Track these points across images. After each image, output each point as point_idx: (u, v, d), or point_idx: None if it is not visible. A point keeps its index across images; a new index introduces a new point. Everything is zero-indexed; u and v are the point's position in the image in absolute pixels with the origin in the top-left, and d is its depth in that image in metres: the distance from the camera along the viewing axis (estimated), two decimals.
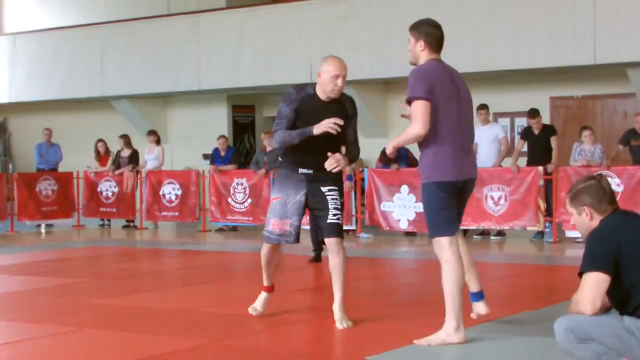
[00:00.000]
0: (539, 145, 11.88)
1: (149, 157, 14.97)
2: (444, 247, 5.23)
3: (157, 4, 18.88)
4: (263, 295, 6.27)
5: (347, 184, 9.77)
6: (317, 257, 9.48)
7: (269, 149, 12.99)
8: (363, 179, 12.92)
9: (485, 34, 13.37)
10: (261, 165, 13.25)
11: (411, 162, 12.75)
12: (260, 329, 5.93)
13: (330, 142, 5.79)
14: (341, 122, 5.74)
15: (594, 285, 3.91)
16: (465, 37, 13.14)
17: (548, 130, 12.01)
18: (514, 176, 11.72)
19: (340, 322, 5.81)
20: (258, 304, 6.24)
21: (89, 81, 18.19)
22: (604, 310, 4.03)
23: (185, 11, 17.61)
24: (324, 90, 5.87)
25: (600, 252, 3.94)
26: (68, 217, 15.36)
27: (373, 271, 9.41)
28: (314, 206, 5.94)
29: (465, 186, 5.37)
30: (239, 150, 17.43)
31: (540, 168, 11.64)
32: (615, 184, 11.05)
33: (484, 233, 12.19)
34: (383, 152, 13.05)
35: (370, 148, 15.15)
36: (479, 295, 5.69)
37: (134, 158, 15.00)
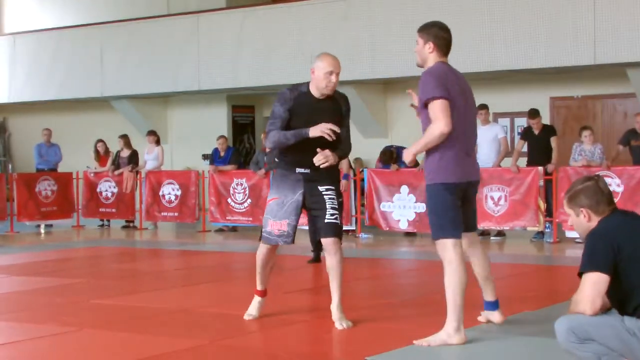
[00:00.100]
0: (539, 145, 11.88)
1: (149, 158, 14.96)
2: (448, 248, 5.22)
3: (156, 4, 18.89)
4: (257, 299, 6.21)
5: (343, 183, 9.77)
6: (317, 258, 9.47)
7: (268, 149, 12.99)
8: (363, 179, 12.92)
9: (485, 34, 13.37)
10: (261, 166, 13.24)
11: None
12: (259, 329, 5.93)
13: (326, 141, 5.79)
14: (337, 129, 5.74)
15: (593, 286, 3.91)
16: (465, 37, 13.13)
17: (548, 130, 12.00)
18: (514, 176, 11.71)
19: (339, 323, 5.80)
20: (253, 309, 6.20)
21: (88, 81, 18.19)
22: (605, 310, 4.02)
23: (185, 11, 17.62)
24: (318, 87, 5.86)
25: (599, 252, 3.93)
26: (68, 217, 15.36)
27: (373, 271, 9.40)
28: (311, 206, 5.93)
29: (469, 189, 5.38)
30: (239, 150, 17.44)
31: (540, 168, 11.63)
32: (616, 184, 11.05)
33: (484, 233, 12.19)
34: (383, 152, 13.06)
35: (370, 148, 15.17)
36: (495, 305, 5.71)
37: (133, 158, 15.00)
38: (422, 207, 12.09)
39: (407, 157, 5.34)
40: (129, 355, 5.17)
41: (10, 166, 21.01)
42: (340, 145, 5.93)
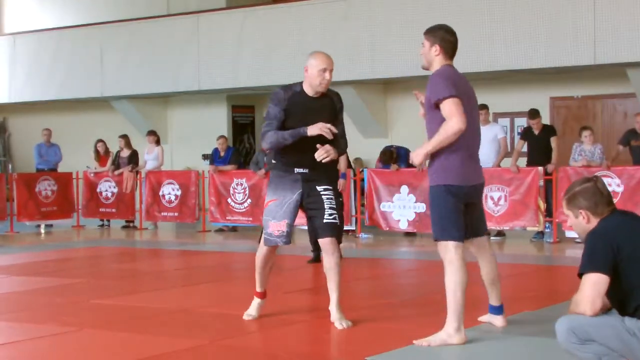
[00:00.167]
0: (539, 145, 11.88)
1: (149, 158, 14.96)
2: (449, 250, 5.23)
3: (157, 4, 18.89)
4: (256, 301, 6.21)
5: (341, 182, 9.77)
6: (317, 258, 9.46)
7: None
8: (363, 179, 12.92)
9: (485, 34, 13.38)
10: (261, 166, 13.24)
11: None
12: (259, 329, 5.93)
13: (323, 140, 5.81)
14: (335, 130, 5.74)
15: (593, 286, 3.91)
16: (465, 37, 13.02)
17: (548, 130, 12.00)
18: (513, 176, 11.71)
19: (339, 322, 5.81)
20: (252, 310, 6.19)
21: (88, 81, 18.19)
22: (605, 310, 4.02)
23: (185, 11, 17.62)
24: (312, 85, 5.86)
25: (599, 252, 3.93)
26: (68, 217, 15.36)
27: (373, 271, 9.40)
28: (309, 206, 5.92)
29: (474, 192, 5.40)
30: (239, 150, 17.44)
31: (540, 168, 11.63)
32: (615, 184, 11.05)
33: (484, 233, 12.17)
34: (383, 152, 13.06)
35: (370, 148, 15.18)
36: (499, 309, 5.72)
37: (133, 158, 15.00)
38: (422, 207, 12.10)
39: (417, 158, 5.29)
40: (129, 355, 5.17)
41: (10, 166, 21.01)
42: (337, 142, 5.93)
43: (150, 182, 14.60)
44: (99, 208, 15.26)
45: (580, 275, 3.97)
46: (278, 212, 5.91)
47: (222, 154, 14.15)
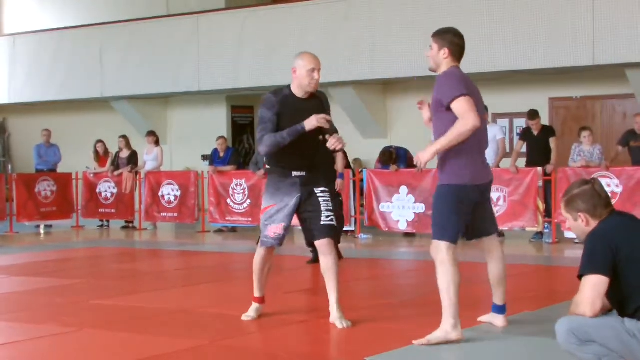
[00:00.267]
0: (538, 146, 11.88)
1: (148, 158, 14.96)
2: (441, 250, 5.27)
3: (157, 5, 18.89)
4: (255, 306, 6.22)
5: (339, 182, 9.78)
6: (316, 258, 9.45)
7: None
8: (362, 180, 12.93)
9: (484, 35, 13.39)
10: (260, 166, 13.21)
11: (410, 162, 12.75)
12: (259, 329, 5.94)
13: (317, 141, 5.87)
14: (329, 118, 5.80)
15: (593, 288, 3.92)
16: (464, 38, 13.14)
17: (547, 131, 12.01)
18: (513, 177, 11.72)
19: (340, 322, 5.81)
20: (252, 312, 6.20)
21: (88, 82, 18.19)
22: (605, 311, 4.03)
23: (185, 12, 17.62)
24: (301, 85, 5.88)
25: (598, 254, 3.94)
26: (67, 217, 15.36)
27: (372, 272, 9.41)
28: (307, 209, 5.93)
29: (484, 191, 5.47)
30: (238, 151, 17.44)
31: (540, 169, 11.64)
32: (615, 184, 11.06)
33: None
34: (382, 153, 13.06)
35: (369, 148, 15.17)
36: (502, 309, 5.73)
37: (133, 159, 15.00)
38: (421, 208, 12.11)
39: (426, 155, 5.29)
40: (129, 356, 5.18)
41: (9, 167, 21.01)
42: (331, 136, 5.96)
43: (150, 182, 14.61)
44: (98, 208, 15.26)
45: (580, 276, 3.98)
46: (277, 216, 5.93)
47: (221, 154, 14.16)
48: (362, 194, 13.02)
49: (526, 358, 5.09)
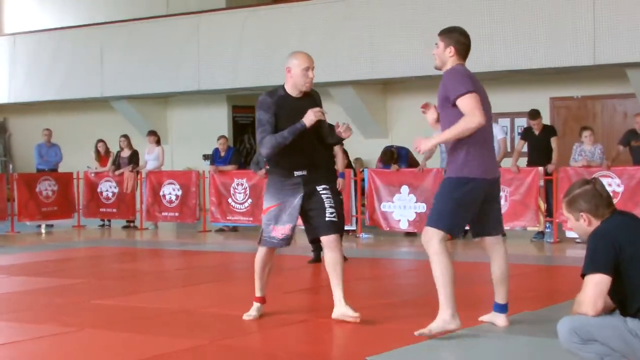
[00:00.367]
0: (539, 145, 11.88)
1: (149, 158, 14.96)
2: (433, 241, 5.35)
3: (156, 4, 18.89)
4: (256, 305, 6.22)
5: (340, 182, 9.79)
6: (317, 258, 9.48)
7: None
8: (363, 180, 12.92)
9: (484, 35, 13.37)
10: (261, 166, 13.22)
11: (411, 162, 12.76)
12: (259, 329, 5.93)
13: (315, 140, 5.93)
14: (325, 111, 5.86)
15: (595, 287, 3.91)
16: None
17: (548, 130, 12.00)
18: (514, 176, 11.72)
19: (347, 316, 5.84)
20: (253, 311, 6.21)
21: (88, 81, 18.19)
22: (608, 311, 4.03)
23: (185, 11, 17.62)
24: (296, 84, 5.92)
25: (601, 253, 3.94)
26: (68, 217, 15.36)
27: (373, 271, 9.41)
28: (310, 206, 5.96)
29: (492, 187, 5.52)
30: (239, 150, 17.44)
31: (541, 168, 11.64)
32: (616, 184, 11.06)
33: None
34: (384, 152, 13.06)
35: (370, 148, 15.18)
36: (503, 308, 5.74)
37: (134, 158, 15.00)
38: (422, 207, 12.10)
39: (426, 144, 5.41)
40: (129, 356, 5.17)
41: (10, 166, 21.02)
42: (330, 137, 6.03)
43: (151, 182, 14.61)
44: (99, 208, 15.26)
45: (583, 276, 3.99)
46: (281, 216, 5.95)
47: (222, 154, 14.15)
48: (363, 193, 13.02)
49: (527, 358, 5.08)
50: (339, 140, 6.09)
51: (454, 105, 5.30)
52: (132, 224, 15.11)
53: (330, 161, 9.02)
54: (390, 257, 10.66)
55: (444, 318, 5.34)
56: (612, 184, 10.98)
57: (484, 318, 5.81)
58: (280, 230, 5.96)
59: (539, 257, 10.39)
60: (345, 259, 6.12)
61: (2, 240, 13.12)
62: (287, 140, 5.78)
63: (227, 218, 13.90)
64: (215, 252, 11.54)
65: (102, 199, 15.18)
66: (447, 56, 5.49)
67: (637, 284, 3.92)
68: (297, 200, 5.94)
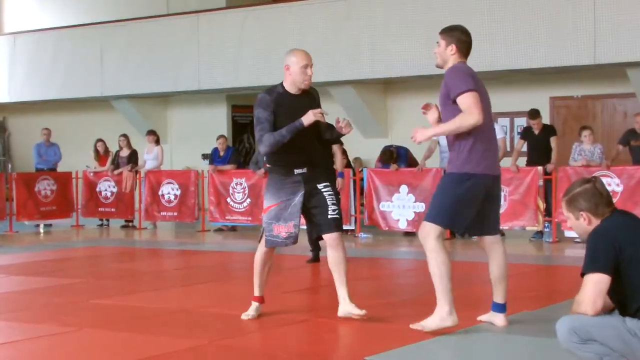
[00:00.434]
0: (539, 145, 11.87)
1: (148, 157, 14.95)
2: (430, 237, 5.37)
3: (156, 4, 18.88)
4: (255, 305, 6.21)
5: (339, 181, 9.79)
6: (316, 258, 9.47)
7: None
8: (362, 179, 12.92)
9: (485, 34, 13.36)
10: (260, 165, 13.21)
11: (410, 162, 12.75)
12: (259, 329, 5.92)
13: (314, 137, 5.94)
14: (325, 111, 5.86)
15: (594, 286, 3.91)
16: None
17: (548, 130, 12.00)
18: (513, 176, 11.71)
19: (357, 309, 5.85)
20: (251, 311, 6.20)
21: (88, 81, 18.18)
22: (607, 310, 4.02)
23: (185, 11, 17.61)
24: (295, 82, 5.92)
25: (600, 252, 3.93)
26: (67, 217, 15.34)
27: (372, 271, 9.39)
28: (312, 204, 5.97)
29: (494, 185, 5.54)
30: (238, 150, 17.43)
31: (540, 168, 11.63)
32: (615, 184, 11.05)
33: None
34: (383, 152, 13.05)
35: (369, 148, 15.17)
36: (502, 307, 5.73)
37: (133, 158, 14.99)
38: (421, 207, 12.09)
39: (422, 135, 5.44)
40: (128, 355, 5.16)
41: (9, 166, 21.01)
42: (328, 133, 6.06)
43: (150, 181, 14.60)
44: (98, 208, 15.25)
45: (582, 275, 3.98)
46: (283, 214, 5.94)
47: (221, 153, 14.15)
48: (362, 193, 13.01)
49: (526, 357, 5.07)
50: (338, 137, 6.10)
51: (455, 102, 5.33)
52: (130, 224, 15.10)
53: (328, 160, 9.02)
54: (389, 256, 10.65)
55: (441, 315, 5.38)
56: (612, 184, 10.98)
57: (483, 318, 5.81)
58: (282, 229, 5.96)
59: (538, 257, 10.38)
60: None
61: (0, 240, 13.11)
62: (285, 138, 5.78)
63: (226, 218, 13.89)
64: (214, 251, 11.53)
65: (100, 199, 15.17)
66: (449, 54, 5.51)
67: (637, 284, 3.92)
68: (298, 199, 5.94)
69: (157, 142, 15.03)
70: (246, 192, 13.65)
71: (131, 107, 18.39)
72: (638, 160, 11.60)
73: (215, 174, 13.94)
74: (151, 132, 15.11)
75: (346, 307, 5.91)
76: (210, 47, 16.61)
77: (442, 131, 5.43)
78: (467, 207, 5.40)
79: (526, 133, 12.13)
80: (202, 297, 7.38)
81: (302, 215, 6.08)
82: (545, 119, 13.37)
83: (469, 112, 5.25)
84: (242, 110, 18.53)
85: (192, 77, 16.84)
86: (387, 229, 12.54)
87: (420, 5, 14.22)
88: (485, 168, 5.41)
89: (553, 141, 11.82)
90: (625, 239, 3.94)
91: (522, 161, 12.13)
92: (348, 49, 14.95)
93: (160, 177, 14.62)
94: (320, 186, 5.97)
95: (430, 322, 5.40)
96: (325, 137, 6.11)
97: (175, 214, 14.41)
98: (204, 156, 17.33)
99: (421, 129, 5.48)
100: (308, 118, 5.76)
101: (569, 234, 11.35)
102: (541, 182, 11.63)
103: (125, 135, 15.20)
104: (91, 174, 15.35)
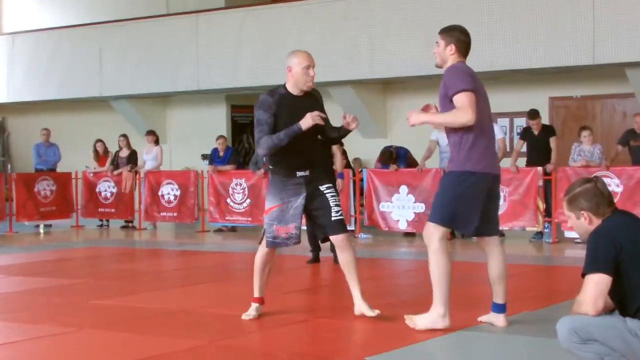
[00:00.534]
0: (538, 145, 11.87)
1: (148, 158, 14.95)
2: (434, 237, 5.40)
3: (156, 4, 18.88)
4: (254, 305, 6.21)
5: (339, 182, 9.79)
6: (316, 258, 9.47)
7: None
8: (362, 180, 12.91)
9: (484, 34, 13.36)
10: (260, 166, 13.23)
11: (410, 162, 12.75)
12: (259, 329, 5.92)
13: (316, 139, 5.93)
14: (323, 115, 5.83)
15: (595, 286, 3.91)
16: None
17: (547, 130, 12.00)
18: (513, 176, 11.71)
19: (370, 311, 5.87)
20: (251, 311, 6.20)
21: (87, 81, 18.18)
22: (608, 310, 4.02)
23: (184, 11, 17.61)
24: (297, 83, 5.92)
25: (601, 252, 3.93)
26: (67, 217, 15.34)
27: (372, 272, 9.38)
28: (314, 206, 5.97)
29: (494, 184, 5.55)
30: (238, 150, 17.43)
31: (540, 168, 11.63)
32: (615, 184, 11.05)
33: None
34: (382, 152, 13.05)
35: (369, 148, 15.17)
36: (501, 308, 5.72)
37: (132, 158, 14.99)
38: (421, 208, 12.09)
39: (416, 119, 5.48)
40: (128, 356, 5.16)
41: (9, 166, 21.00)
42: (334, 132, 6.05)
43: (150, 182, 14.59)
44: (98, 208, 15.25)
45: (583, 275, 3.98)
46: (284, 216, 5.94)
47: (221, 154, 14.14)
48: (362, 193, 13.01)
49: (526, 358, 5.07)
50: (345, 134, 6.08)
51: (452, 101, 5.34)
52: (130, 224, 15.10)
53: (328, 161, 9.01)
54: (389, 257, 10.65)
55: (434, 316, 5.42)
56: (611, 184, 10.98)
57: (483, 318, 5.80)
58: (283, 230, 5.96)
59: (538, 257, 10.38)
60: (336, 261, 6.17)
61: (0, 240, 13.11)
62: (282, 142, 5.78)
63: (226, 218, 13.89)
64: (214, 252, 11.52)
65: (100, 199, 15.17)
66: (448, 54, 5.52)
67: (637, 284, 3.91)
68: (300, 200, 5.94)
69: (157, 142, 15.02)
70: (246, 192, 13.64)
71: (130, 107, 18.38)
72: (637, 161, 11.61)
73: (214, 175, 13.94)
74: (150, 133, 15.11)
75: (360, 307, 5.93)
76: (210, 47, 16.61)
77: (436, 120, 5.46)
78: (468, 206, 5.39)
79: (525, 133, 12.13)
80: (202, 297, 7.37)
81: (304, 217, 6.08)
82: (545, 119, 13.38)
83: (462, 111, 5.27)
84: (241, 110, 18.52)
85: (191, 77, 16.84)
86: (386, 229, 12.54)
87: (419, 5, 14.22)
88: (486, 166, 5.43)
89: (552, 141, 11.82)
90: (626, 239, 3.94)
91: (522, 162, 12.13)
92: (347, 48, 14.95)
93: (160, 178, 14.62)
94: (322, 187, 5.97)
95: (422, 321, 5.48)
96: (331, 136, 6.11)
97: (175, 214, 14.40)
98: (204, 156, 17.33)
99: (416, 112, 5.51)
100: (306, 122, 5.75)
101: (568, 234, 11.36)
102: (541, 183, 11.63)
103: (124, 136, 15.20)
104: (91, 175, 15.35)
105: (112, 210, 15.10)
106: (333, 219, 5.92)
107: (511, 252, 10.79)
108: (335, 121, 6.21)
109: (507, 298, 5.73)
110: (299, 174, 5.93)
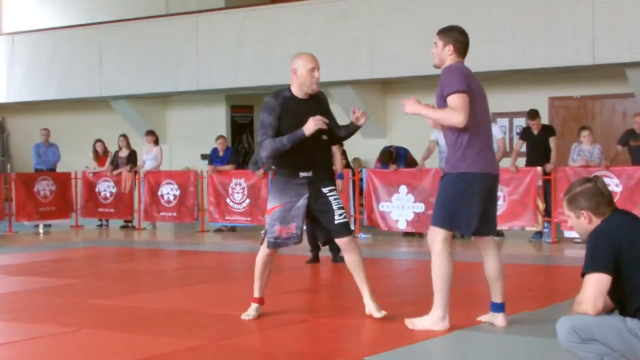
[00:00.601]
0: (538, 145, 11.88)
1: (147, 158, 14.95)
2: (437, 241, 5.40)
3: (156, 4, 18.88)
4: (254, 305, 6.21)
5: (339, 182, 9.79)
6: (316, 258, 9.47)
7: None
8: (362, 179, 12.91)
9: (484, 34, 13.38)
10: (260, 166, 13.23)
11: (410, 162, 12.74)
12: (258, 329, 5.92)
13: (320, 140, 5.90)
14: (326, 120, 5.82)
15: (595, 286, 3.91)
16: None
17: (547, 130, 12.00)
18: (512, 176, 11.71)
19: (377, 312, 5.88)
20: (251, 311, 6.20)
21: (87, 81, 18.18)
22: (608, 310, 4.02)
23: (184, 11, 17.61)
24: (302, 86, 5.92)
25: (601, 252, 3.93)
26: (66, 217, 15.34)
27: (372, 272, 9.32)
28: (317, 208, 5.96)
29: (492, 184, 5.55)
30: (238, 150, 17.43)
31: (539, 168, 11.63)
32: (614, 184, 11.06)
33: None
34: (382, 152, 13.05)
35: (368, 148, 15.17)
36: (500, 307, 5.72)
37: (132, 158, 14.99)
38: (420, 207, 12.10)
39: (410, 108, 5.48)
40: (128, 356, 5.16)
41: (8, 166, 21.01)
42: (338, 128, 6.05)
43: (149, 182, 14.59)
44: (97, 208, 15.25)
45: (583, 275, 3.98)
46: (286, 216, 5.94)
47: (221, 154, 14.14)
48: (361, 193, 13.01)
49: (526, 358, 5.08)
50: (354, 130, 6.07)
51: (447, 101, 5.35)
52: (130, 224, 15.10)
53: (329, 161, 9.01)
54: (389, 257, 10.65)
55: (433, 318, 5.43)
56: (611, 184, 10.98)
57: (483, 319, 5.80)
58: (284, 230, 5.96)
59: (538, 257, 10.38)
60: (342, 259, 6.14)
61: (0, 240, 13.10)
62: (285, 147, 5.79)
63: (226, 218, 13.89)
64: (214, 252, 11.52)
65: (100, 199, 15.17)
66: (446, 55, 5.53)
67: (637, 284, 3.91)
68: (302, 201, 5.94)
69: (156, 142, 15.02)
70: (245, 192, 13.64)
71: (130, 107, 18.38)
72: (637, 161, 11.61)
73: (214, 174, 13.93)
74: (150, 133, 15.10)
75: (369, 308, 5.95)
76: (210, 47, 16.62)
77: (429, 114, 5.43)
78: (468, 206, 5.39)
79: (525, 133, 12.13)
80: (201, 297, 7.37)
81: (307, 218, 6.08)
82: (544, 119, 13.38)
83: (455, 111, 5.27)
84: (241, 110, 18.53)
85: (191, 77, 16.84)
86: (386, 229, 12.54)
87: (419, 5, 14.23)
88: (483, 167, 5.42)
89: (552, 141, 11.83)
90: (626, 239, 3.94)
91: (522, 161, 12.13)
92: (347, 49, 14.95)
93: (160, 178, 14.62)
94: (325, 190, 5.96)
95: (422, 323, 5.50)
96: (340, 134, 6.10)
97: (175, 214, 14.40)
98: (203, 156, 17.32)
99: (413, 101, 5.50)
100: (309, 128, 5.74)
101: (568, 234, 11.36)
102: (540, 183, 11.64)
103: (124, 136, 15.20)
104: (90, 175, 15.35)
105: (112, 210, 15.10)
106: (337, 222, 5.92)
107: (511, 252, 10.84)
108: (339, 121, 6.21)
109: (506, 298, 5.73)
110: (302, 174, 5.93)
